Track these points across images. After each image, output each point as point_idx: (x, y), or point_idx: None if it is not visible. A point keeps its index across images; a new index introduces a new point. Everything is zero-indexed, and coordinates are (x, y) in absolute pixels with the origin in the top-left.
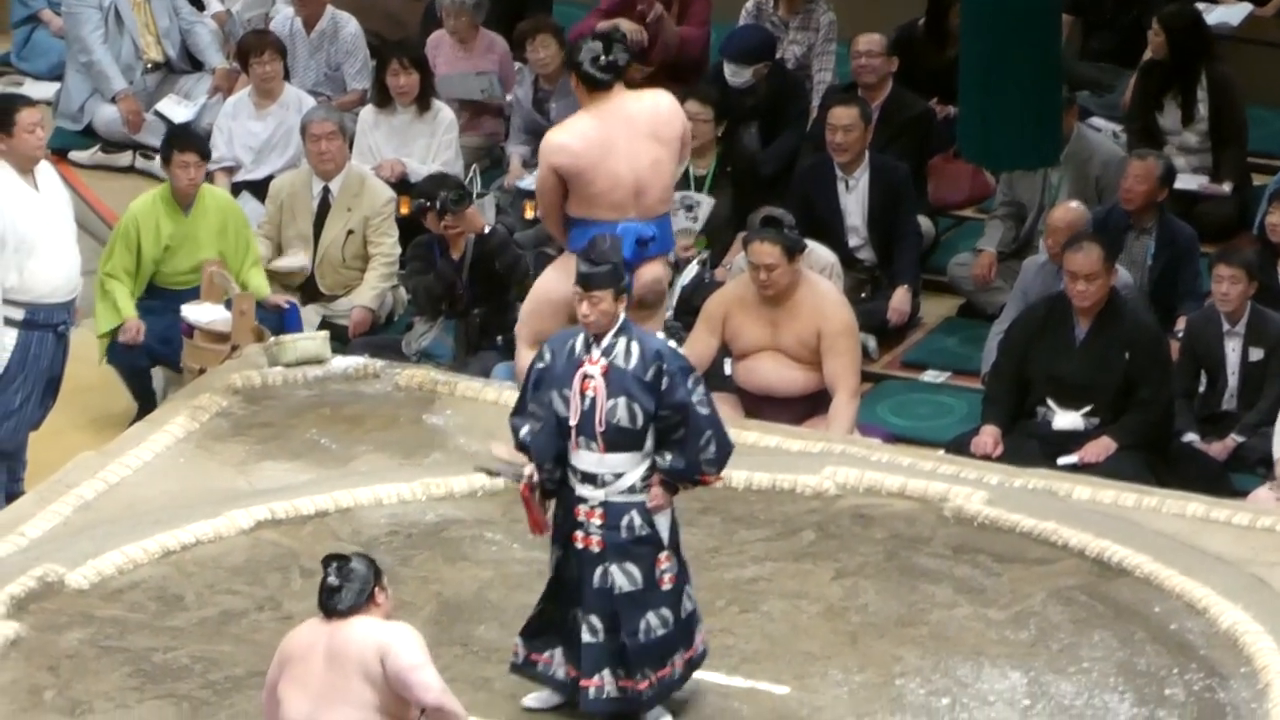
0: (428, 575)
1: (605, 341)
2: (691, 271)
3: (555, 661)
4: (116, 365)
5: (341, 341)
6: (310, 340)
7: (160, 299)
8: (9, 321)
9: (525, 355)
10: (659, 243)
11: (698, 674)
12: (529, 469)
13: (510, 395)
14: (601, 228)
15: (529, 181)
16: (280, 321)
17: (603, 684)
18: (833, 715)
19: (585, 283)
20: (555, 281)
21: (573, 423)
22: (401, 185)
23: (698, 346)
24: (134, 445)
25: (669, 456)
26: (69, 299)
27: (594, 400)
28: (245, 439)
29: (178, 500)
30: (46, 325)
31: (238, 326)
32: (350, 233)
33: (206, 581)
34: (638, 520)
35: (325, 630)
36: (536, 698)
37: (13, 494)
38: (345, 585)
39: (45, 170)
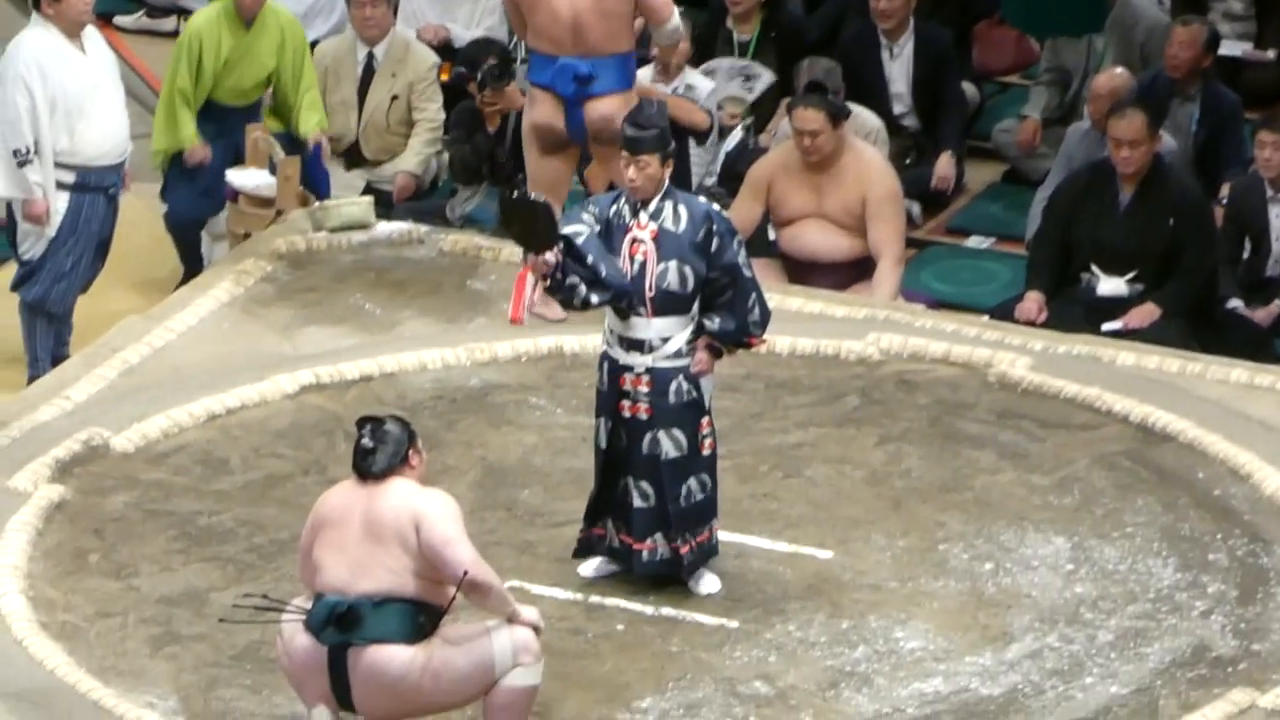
0: (471, 440)
1: (652, 206)
2: (735, 138)
3: (609, 532)
4: (167, 204)
5: (386, 207)
6: (355, 205)
7: (215, 122)
8: (60, 185)
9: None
10: (604, 81)
11: (741, 538)
12: (551, 255)
13: None
14: (543, 60)
15: None
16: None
17: (655, 547)
18: (875, 580)
19: (631, 147)
20: (526, 118)
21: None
22: (445, 50)
23: (742, 213)
24: (179, 310)
25: (717, 319)
26: (119, 161)
27: (643, 264)
28: (290, 304)
29: (222, 364)
30: (97, 188)
31: (282, 191)
32: (394, 98)
33: (251, 445)
34: (684, 385)
35: (362, 494)
36: (591, 566)
37: (59, 358)
38: (380, 447)
39: (92, 35)
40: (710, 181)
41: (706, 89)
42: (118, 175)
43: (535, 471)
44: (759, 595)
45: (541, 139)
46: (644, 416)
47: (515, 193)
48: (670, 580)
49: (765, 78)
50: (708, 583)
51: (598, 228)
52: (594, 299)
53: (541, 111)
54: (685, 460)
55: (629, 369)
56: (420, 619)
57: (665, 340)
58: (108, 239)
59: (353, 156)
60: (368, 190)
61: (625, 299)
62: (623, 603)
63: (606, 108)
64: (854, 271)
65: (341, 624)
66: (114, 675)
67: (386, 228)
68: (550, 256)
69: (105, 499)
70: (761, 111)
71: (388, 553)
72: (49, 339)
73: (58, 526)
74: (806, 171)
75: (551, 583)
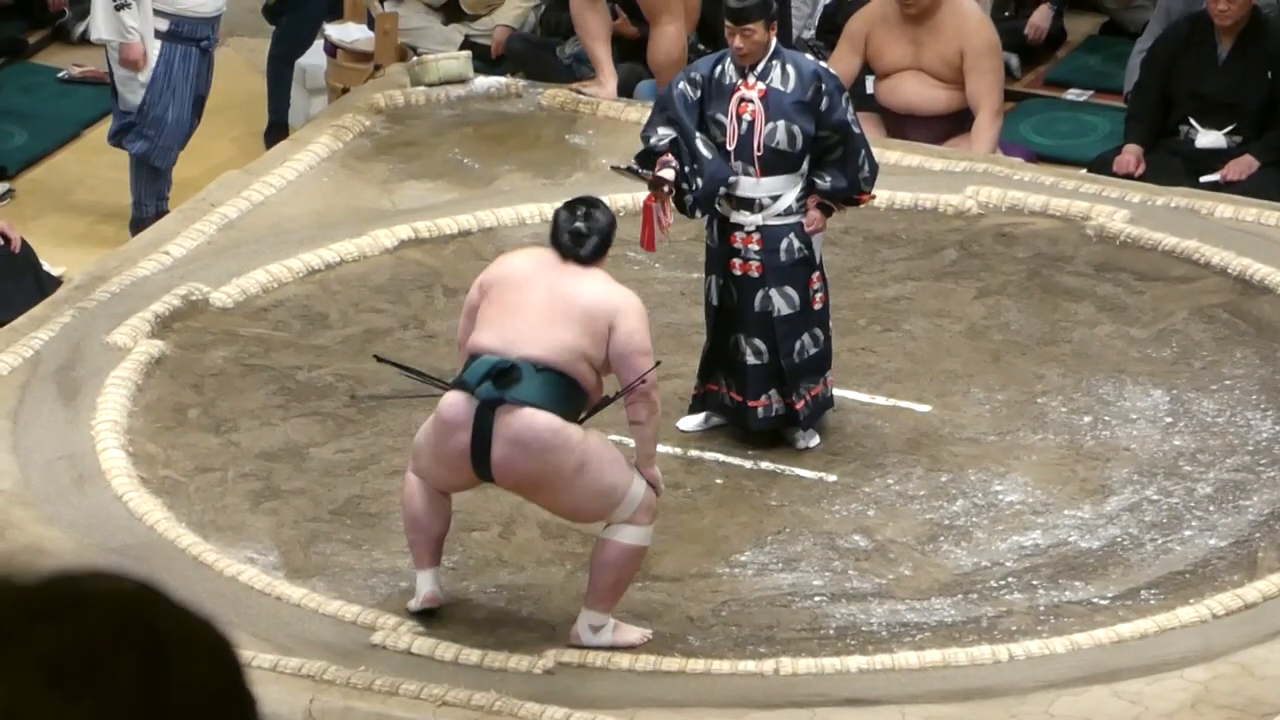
0: None
1: (760, 66)
2: None
3: (722, 388)
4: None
5: (484, 60)
6: (453, 60)
7: None
8: (155, 33)
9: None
10: None
11: (840, 392)
12: (667, 173)
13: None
14: None
15: None
16: None
17: (770, 403)
18: (974, 433)
19: (736, 16)
20: None
21: (730, 147)
22: None
23: (840, 66)
24: (277, 164)
25: (828, 177)
26: (215, 15)
27: (751, 124)
28: (388, 158)
29: (321, 219)
30: (191, 39)
31: (380, 46)
32: None
33: (350, 300)
34: (796, 242)
35: (556, 269)
36: (691, 421)
37: (160, 213)
38: (592, 232)
39: None
40: (808, 35)
41: None
42: (211, 29)
43: None
44: (858, 449)
45: None
46: (755, 274)
47: (624, 168)
48: (773, 435)
49: None
50: (806, 437)
51: (697, 94)
52: (699, 209)
53: None
54: (797, 316)
55: (739, 227)
56: (576, 401)
57: (775, 199)
58: (203, 95)
59: (451, 11)
60: (466, 44)
61: (719, 183)
62: (721, 457)
63: None
64: (952, 124)
65: (500, 379)
66: (213, 530)
67: (484, 82)
68: (668, 174)
69: (204, 354)
70: None
71: (569, 330)
72: (152, 195)
73: (157, 382)
74: (904, 24)
75: None
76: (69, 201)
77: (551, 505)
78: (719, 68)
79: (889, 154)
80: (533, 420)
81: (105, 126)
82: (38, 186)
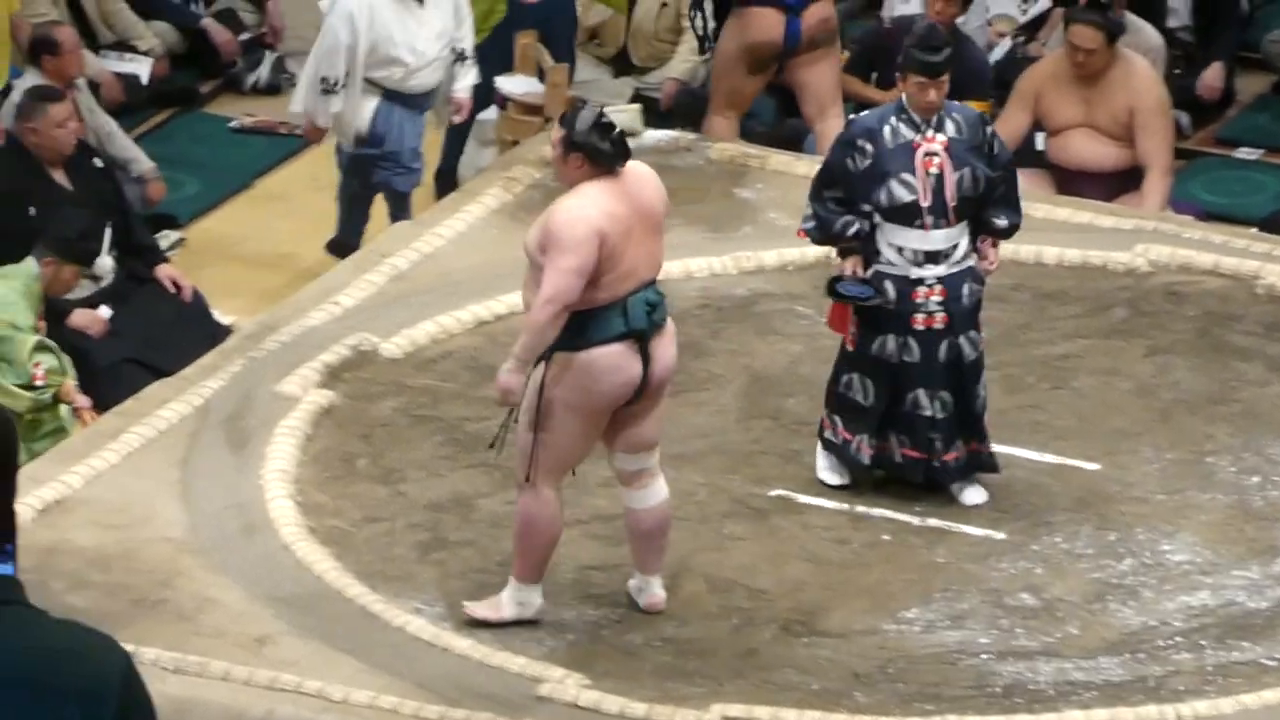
0: (738, 348)
1: (934, 119)
2: (1005, 46)
3: (892, 446)
4: None
5: (654, 114)
6: (623, 112)
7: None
8: (368, 92)
9: (721, 122)
10: None
11: (1008, 449)
12: (845, 264)
13: None
14: None
15: None
16: None
17: (958, 455)
18: (1143, 491)
19: (934, 70)
20: (735, 40)
21: (924, 204)
22: None
23: (1011, 123)
24: (448, 215)
25: (1004, 216)
26: (429, 90)
27: (940, 176)
28: None
29: (490, 271)
30: (405, 105)
31: (551, 98)
32: (664, 5)
33: None
34: (974, 286)
35: (618, 189)
36: (832, 471)
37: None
38: (621, 131)
39: None
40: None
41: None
42: (429, 99)
43: (801, 380)
44: (1026, 506)
45: (754, 57)
46: (940, 325)
47: (838, 283)
48: (939, 490)
49: (1041, 2)
50: (973, 494)
51: (866, 163)
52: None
53: (761, 28)
54: (979, 360)
55: (920, 282)
56: None
57: (955, 247)
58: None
59: (621, 64)
60: (636, 97)
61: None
62: (889, 513)
63: (823, 10)
64: (1122, 182)
65: (654, 311)
66: (381, 580)
67: (654, 135)
68: (853, 268)
69: (373, 404)
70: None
71: (660, 237)
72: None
73: (326, 431)
74: (1076, 82)
75: (818, 492)
76: (239, 251)
77: (657, 415)
78: (886, 128)
79: (1059, 211)
80: (671, 330)
81: (276, 175)
82: (208, 236)
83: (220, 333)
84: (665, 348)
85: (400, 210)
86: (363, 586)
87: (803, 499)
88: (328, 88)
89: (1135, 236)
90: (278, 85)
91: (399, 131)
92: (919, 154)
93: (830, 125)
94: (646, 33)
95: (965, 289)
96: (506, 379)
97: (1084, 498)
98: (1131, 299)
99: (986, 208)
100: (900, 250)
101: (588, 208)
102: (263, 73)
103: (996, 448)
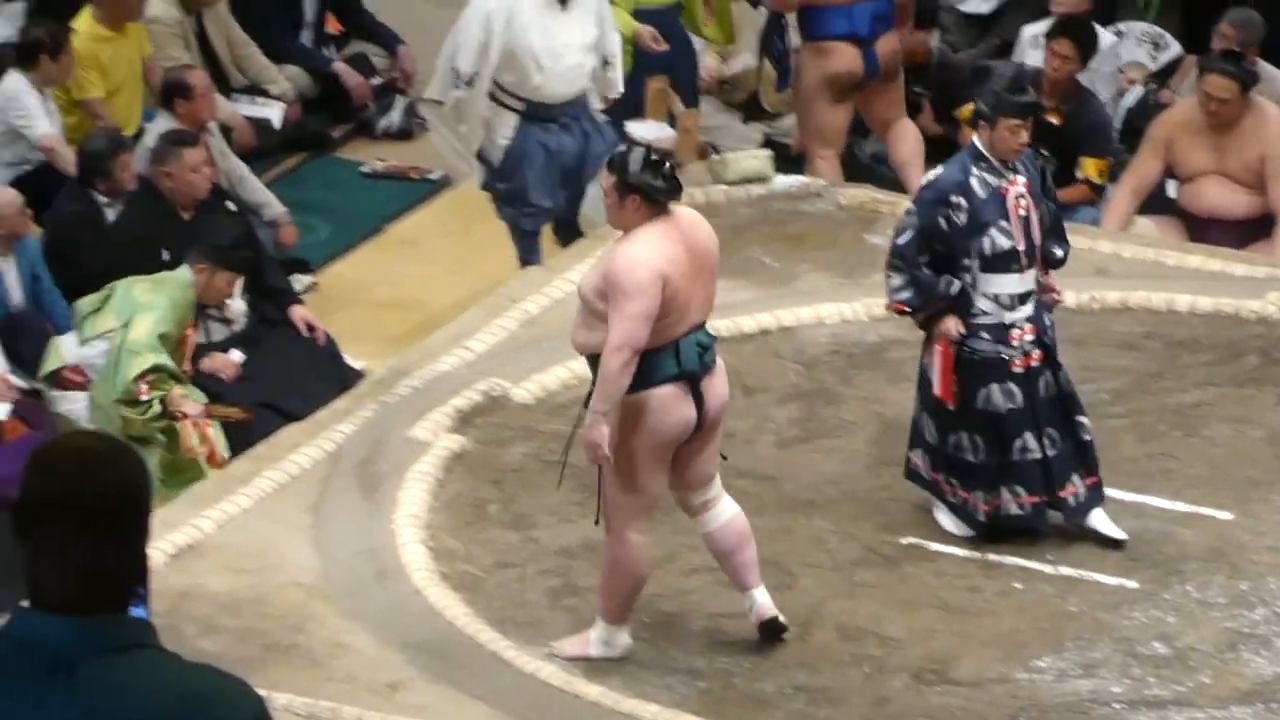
0: (869, 395)
1: (1013, 161)
2: (1137, 93)
3: (1005, 499)
4: None
5: (784, 159)
6: (753, 158)
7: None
8: (510, 108)
9: (821, 162)
10: (887, 20)
11: (1140, 498)
12: (946, 325)
13: None
14: (837, 11)
15: (973, 4)
16: None
17: (1076, 489)
18: (1275, 540)
19: (1030, 111)
20: (815, 73)
21: (1020, 247)
22: None
23: (1143, 169)
24: (578, 260)
25: (1058, 246)
26: (568, 99)
27: (1027, 217)
28: None
29: None
30: (547, 119)
31: (682, 144)
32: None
33: None
34: (1050, 318)
35: (672, 230)
36: (956, 523)
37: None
38: (673, 168)
39: None
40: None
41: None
42: (575, 107)
43: None
44: (1157, 555)
45: (836, 88)
46: (1038, 363)
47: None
48: (1073, 537)
49: (1173, 49)
50: (1102, 519)
51: (964, 218)
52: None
53: (840, 61)
54: (1074, 389)
55: (1013, 325)
56: None
57: (1035, 284)
58: (574, 167)
59: (752, 109)
60: (766, 143)
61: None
62: (1021, 561)
63: (893, 41)
64: (1254, 229)
65: (707, 354)
66: (512, 626)
67: (784, 181)
68: (956, 330)
69: (505, 450)
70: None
71: (713, 280)
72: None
73: (458, 477)
74: (1208, 129)
75: (949, 540)
76: (371, 295)
77: (712, 450)
78: (973, 180)
79: (1190, 259)
80: (721, 368)
81: (407, 220)
82: (340, 280)
83: (352, 377)
84: (717, 386)
85: (529, 252)
86: (494, 632)
87: (934, 547)
88: (457, 81)
89: (1267, 284)
90: (409, 130)
91: (534, 160)
92: (1009, 199)
93: (900, 127)
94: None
95: (1047, 321)
96: (592, 434)
97: (1216, 546)
98: (1263, 347)
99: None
100: (996, 298)
101: (649, 252)
102: (394, 117)
103: (1128, 496)
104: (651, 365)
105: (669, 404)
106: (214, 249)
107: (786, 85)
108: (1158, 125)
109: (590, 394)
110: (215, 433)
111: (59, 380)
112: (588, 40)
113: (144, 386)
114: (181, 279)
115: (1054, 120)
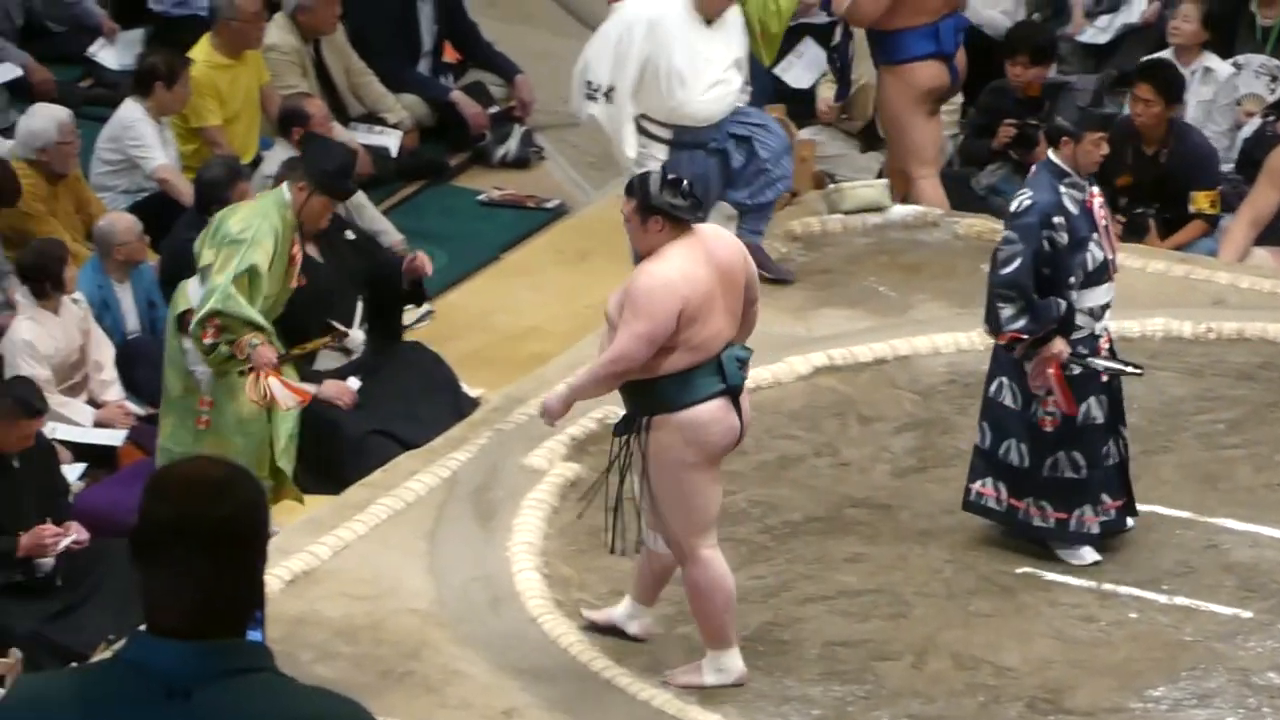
0: None
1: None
2: (1254, 125)
3: (1107, 504)
4: None
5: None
6: (870, 187)
7: None
8: (656, 138)
9: (924, 184)
10: (964, 31)
11: (1255, 528)
12: (1058, 347)
13: None
14: (924, 31)
15: (1090, 34)
16: None
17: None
18: None
19: (1108, 124)
20: (904, 94)
21: (1110, 257)
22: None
23: (1260, 201)
24: None
25: None
26: (714, 121)
27: (1107, 226)
28: (804, 285)
29: (749, 343)
30: (694, 145)
31: (798, 172)
32: None
33: (765, 426)
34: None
35: (697, 248)
36: (1081, 554)
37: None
38: (692, 186)
39: (732, 13)
40: (1227, 168)
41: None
42: (719, 131)
43: None
44: (1273, 585)
45: (929, 102)
46: (1119, 366)
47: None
48: (1190, 567)
49: None
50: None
51: (1066, 237)
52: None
53: (929, 77)
54: None
55: (1099, 336)
56: None
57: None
58: (713, 189)
59: (869, 138)
60: (884, 173)
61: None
62: (1136, 591)
63: (963, 55)
64: None
65: (744, 368)
66: (627, 654)
67: (901, 210)
68: (1065, 350)
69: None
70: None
71: (741, 294)
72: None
73: (572, 504)
74: None
75: (1064, 570)
76: (487, 323)
77: None
78: (1064, 197)
79: None
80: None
81: (524, 249)
82: (456, 308)
83: (468, 405)
84: (746, 402)
85: None
86: (608, 660)
87: (1049, 576)
88: (590, 92)
89: None
90: (526, 158)
91: None
92: (1095, 211)
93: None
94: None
95: (1110, 330)
96: (551, 401)
97: None
98: None
99: None
100: (1090, 310)
101: (671, 274)
102: (511, 146)
103: (1243, 526)
104: (697, 382)
105: (719, 416)
106: (318, 172)
107: (846, 95)
108: (1275, 156)
109: (623, 419)
110: (279, 385)
111: (183, 324)
112: (732, 58)
113: (209, 330)
114: (279, 198)
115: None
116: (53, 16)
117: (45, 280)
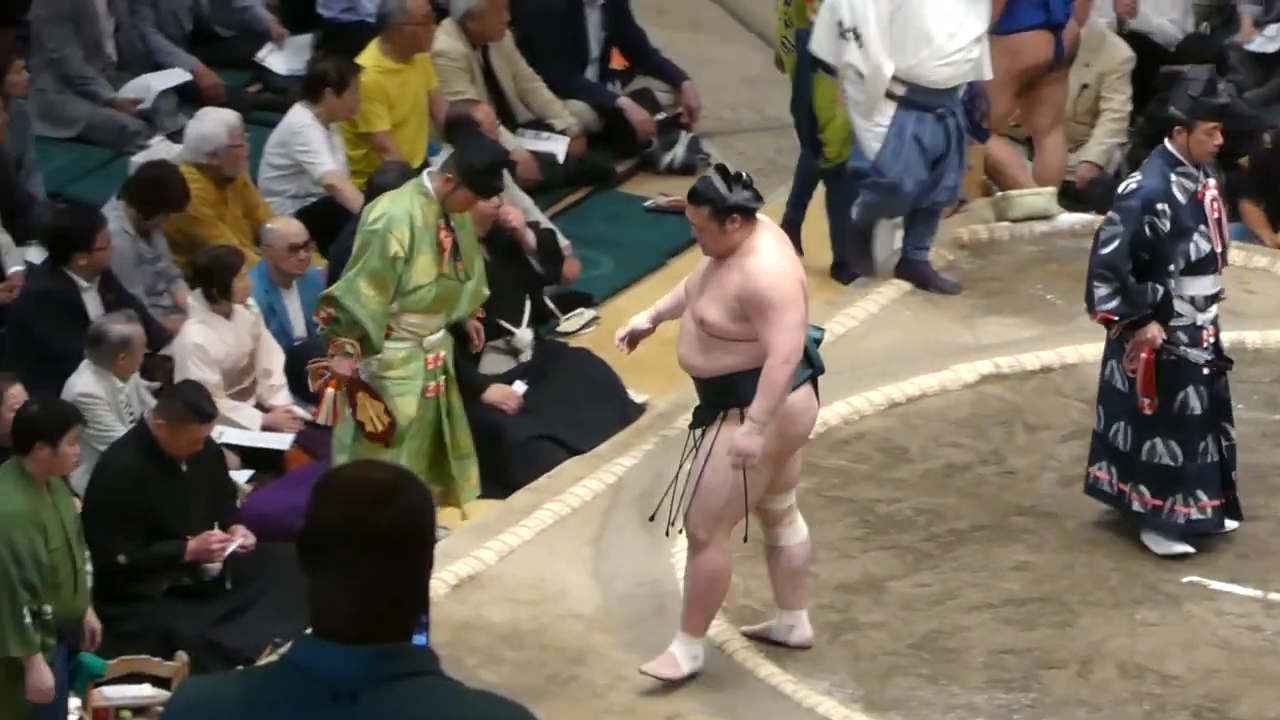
0: None
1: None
2: None
3: (1193, 504)
4: None
5: (1069, 197)
6: (1038, 195)
7: None
8: (888, 94)
9: (996, 142)
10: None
11: None
12: (1152, 332)
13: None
14: (1032, 3)
15: (1259, 43)
16: None
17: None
18: None
19: (1222, 113)
20: (1004, 67)
21: (1218, 249)
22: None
23: None
24: (859, 296)
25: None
26: (956, 86)
27: (1220, 220)
28: (971, 293)
29: (902, 352)
30: (925, 107)
31: (966, 180)
32: (1084, 87)
33: (931, 434)
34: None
35: (775, 233)
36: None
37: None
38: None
39: None
40: None
41: None
42: (952, 99)
43: None
44: None
45: (1026, 79)
46: (1218, 365)
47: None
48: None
49: None
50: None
51: (1168, 225)
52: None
53: (1033, 51)
54: None
55: (1203, 328)
56: None
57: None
58: (940, 156)
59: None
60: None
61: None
62: None
63: (1075, 26)
64: None
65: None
66: (791, 661)
67: (1069, 218)
68: (1159, 335)
69: None
70: None
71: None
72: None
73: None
74: None
75: (1229, 578)
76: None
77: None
78: (1173, 186)
79: None
80: None
81: (690, 255)
82: (622, 315)
83: (633, 411)
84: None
85: (861, 252)
86: (773, 666)
87: (1215, 585)
88: (842, 32)
89: None
90: (693, 165)
91: (905, 149)
92: (1206, 203)
93: (1054, 139)
94: (1065, 114)
95: (1219, 323)
96: (749, 443)
97: None
98: None
99: None
100: (1193, 300)
101: (783, 262)
102: (678, 152)
103: None
104: None
105: (808, 402)
106: (466, 166)
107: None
108: None
109: (697, 412)
110: (331, 397)
111: None
112: (978, 31)
113: (323, 312)
114: (418, 186)
115: None
116: (221, 21)
117: (214, 286)
